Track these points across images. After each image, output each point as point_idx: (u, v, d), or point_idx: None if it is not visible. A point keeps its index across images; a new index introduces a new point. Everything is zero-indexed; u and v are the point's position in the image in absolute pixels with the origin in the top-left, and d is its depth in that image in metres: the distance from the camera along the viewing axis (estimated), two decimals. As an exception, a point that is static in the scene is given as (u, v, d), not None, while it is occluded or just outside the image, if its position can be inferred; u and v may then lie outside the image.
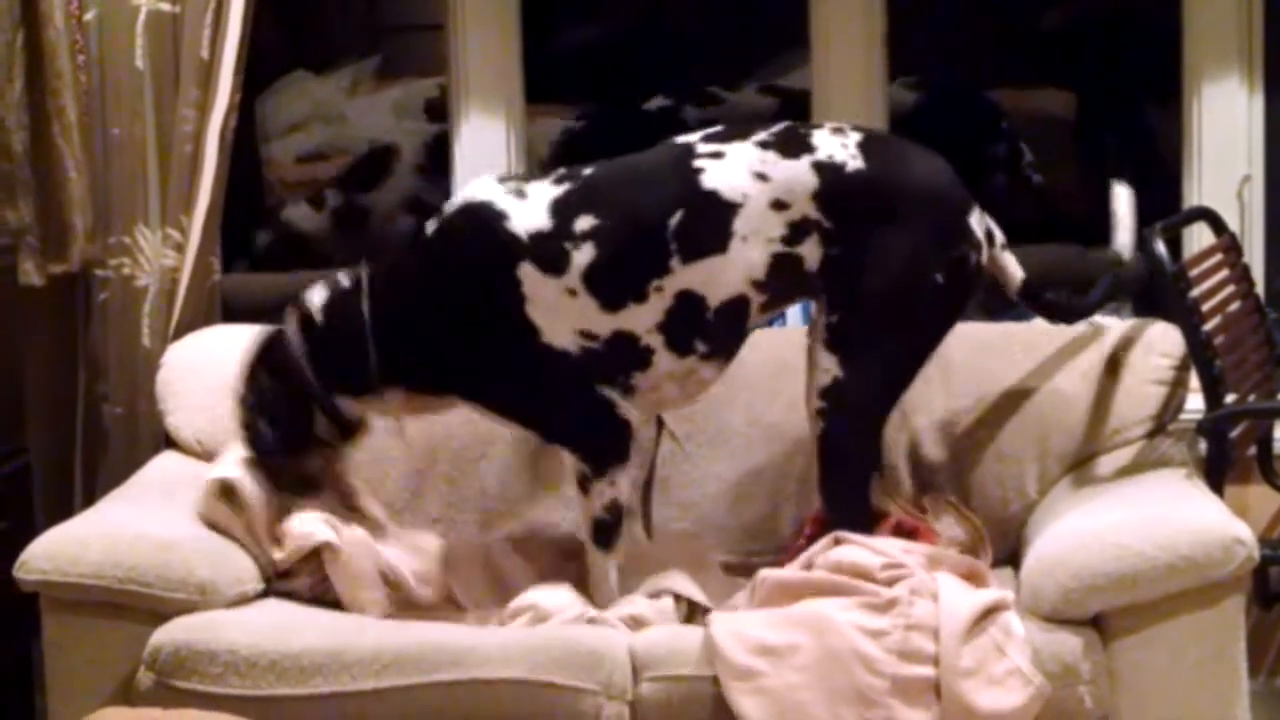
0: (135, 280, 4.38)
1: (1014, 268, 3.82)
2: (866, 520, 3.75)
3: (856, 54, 4.60)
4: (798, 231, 3.66)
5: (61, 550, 3.61)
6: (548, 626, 3.61)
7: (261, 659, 3.50)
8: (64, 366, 4.50)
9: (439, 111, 5.24)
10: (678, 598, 3.72)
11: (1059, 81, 5.45)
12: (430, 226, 3.77)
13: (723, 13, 5.67)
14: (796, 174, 3.66)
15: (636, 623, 3.64)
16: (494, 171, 4.56)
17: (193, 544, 3.68)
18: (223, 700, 3.44)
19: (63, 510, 4.24)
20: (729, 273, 3.66)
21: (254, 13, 4.34)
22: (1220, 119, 4.49)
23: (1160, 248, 3.84)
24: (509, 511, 4.08)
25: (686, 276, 3.66)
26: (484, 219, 3.71)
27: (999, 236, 3.80)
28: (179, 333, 4.34)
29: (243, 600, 3.70)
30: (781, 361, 4.01)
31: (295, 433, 3.78)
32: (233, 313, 4.46)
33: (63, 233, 4.36)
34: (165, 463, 4.16)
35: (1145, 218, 3.93)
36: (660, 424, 4.09)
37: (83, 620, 3.60)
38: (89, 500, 4.25)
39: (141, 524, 3.72)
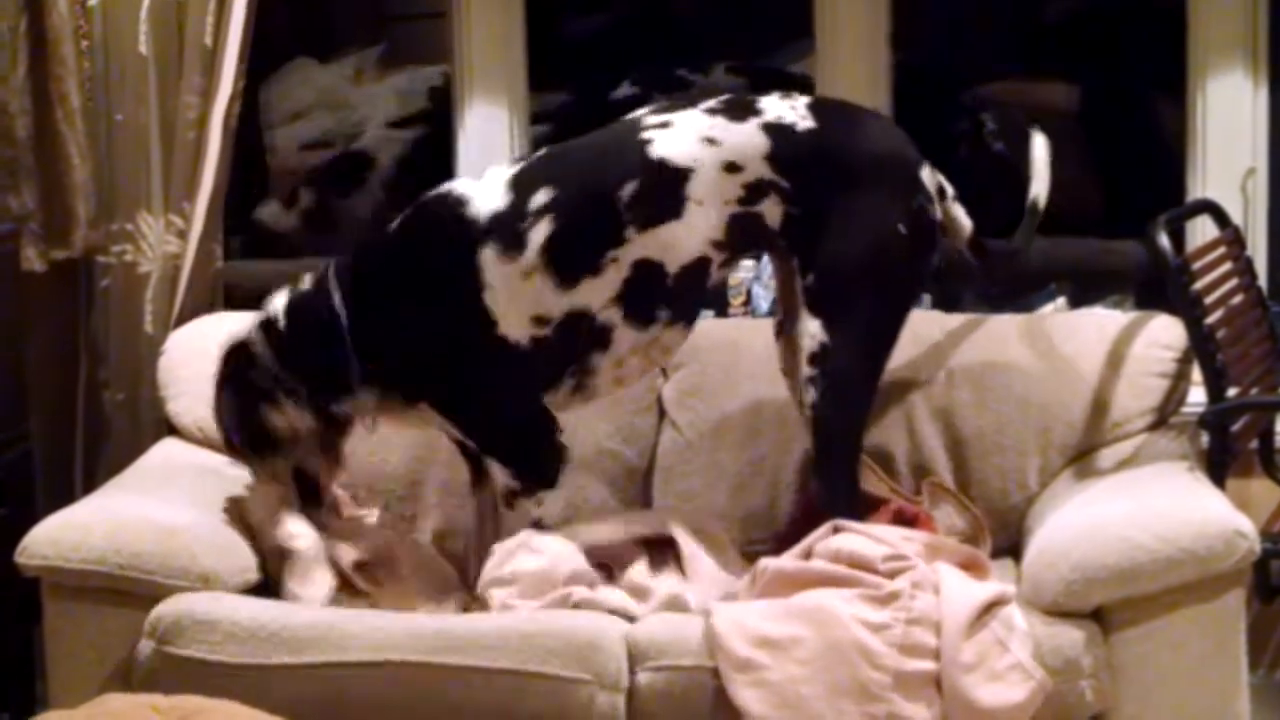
0: (138, 267, 4.39)
1: (964, 219, 3.86)
2: (856, 499, 3.75)
3: (860, 44, 4.60)
4: (754, 192, 3.70)
5: (63, 536, 3.61)
6: (543, 613, 3.59)
7: (261, 629, 3.50)
8: (66, 353, 4.51)
9: (443, 99, 5.24)
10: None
11: (1063, 74, 5.44)
12: (395, 220, 3.79)
13: (728, 1, 5.67)
14: (746, 137, 3.70)
15: (676, 606, 3.64)
16: (496, 157, 4.58)
17: (195, 531, 3.68)
18: (221, 668, 3.45)
19: (64, 496, 4.24)
20: (687, 237, 3.69)
21: (258, -1, 4.35)
22: (1225, 112, 4.48)
23: (1164, 240, 3.84)
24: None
25: (643, 245, 3.68)
26: (445, 206, 3.74)
27: (949, 190, 3.84)
28: (181, 319, 4.35)
29: (245, 589, 3.70)
30: (783, 352, 4.01)
31: (257, 433, 3.80)
32: (235, 300, 4.46)
33: (65, 219, 4.36)
34: (166, 449, 4.16)
35: (1150, 211, 3.93)
36: (661, 412, 4.10)
37: (84, 606, 3.60)
38: (90, 486, 4.26)
39: (143, 511, 3.72)
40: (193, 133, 4.34)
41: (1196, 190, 4.51)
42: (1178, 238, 4.21)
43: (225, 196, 4.38)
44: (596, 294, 3.69)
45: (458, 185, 3.77)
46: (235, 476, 3.96)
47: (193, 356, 4.21)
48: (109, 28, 4.36)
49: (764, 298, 4.52)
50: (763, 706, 3.38)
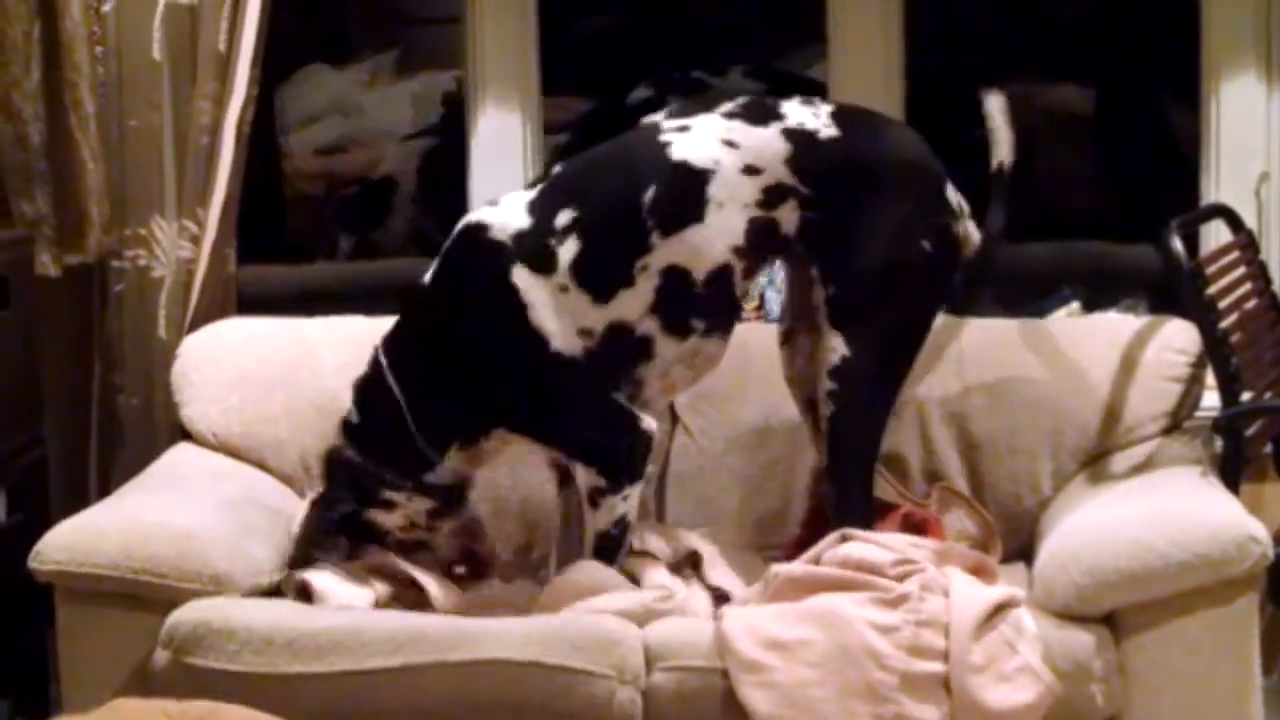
0: (151, 272, 4.39)
1: (974, 233, 3.81)
2: (869, 511, 3.75)
3: (874, 48, 4.60)
4: (773, 196, 3.68)
5: (77, 540, 3.61)
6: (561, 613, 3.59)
7: (278, 636, 3.50)
8: (80, 357, 4.51)
9: (456, 104, 5.26)
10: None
11: (1077, 77, 5.44)
12: (427, 273, 3.79)
13: (742, 3, 5.67)
14: (766, 140, 3.69)
15: (686, 611, 3.64)
16: (509, 162, 4.59)
17: (209, 535, 3.68)
18: (239, 678, 3.44)
19: (78, 500, 4.24)
20: (710, 242, 3.68)
21: (271, 5, 4.35)
22: (1239, 116, 4.47)
23: (1177, 244, 3.83)
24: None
25: (669, 251, 3.67)
26: (468, 237, 3.73)
27: (965, 207, 3.82)
28: (195, 324, 4.35)
29: (257, 592, 3.70)
30: (796, 356, 4.01)
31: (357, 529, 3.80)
32: (248, 305, 4.46)
33: (79, 224, 4.37)
34: (180, 454, 4.16)
35: (1163, 215, 3.93)
36: (674, 418, 4.10)
37: (97, 610, 3.60)
38: (104, 491, 4.26)
39: (157, 515, 3.72)
40: (206, 138, 4.34)
41: (1210, 194, 4.51)
42: (1191, 242, 4.20)
43: (239, 201, 4.39)
44: (632, 306, 3.68)
45: (476, 215, 3.76)
46: (249, 480, 3.98)
47: (206, 361, 4.22)
48: (122, 33, 4.36)
49: (777, 302, 4.52)
50: (771, 707, 3.38)
